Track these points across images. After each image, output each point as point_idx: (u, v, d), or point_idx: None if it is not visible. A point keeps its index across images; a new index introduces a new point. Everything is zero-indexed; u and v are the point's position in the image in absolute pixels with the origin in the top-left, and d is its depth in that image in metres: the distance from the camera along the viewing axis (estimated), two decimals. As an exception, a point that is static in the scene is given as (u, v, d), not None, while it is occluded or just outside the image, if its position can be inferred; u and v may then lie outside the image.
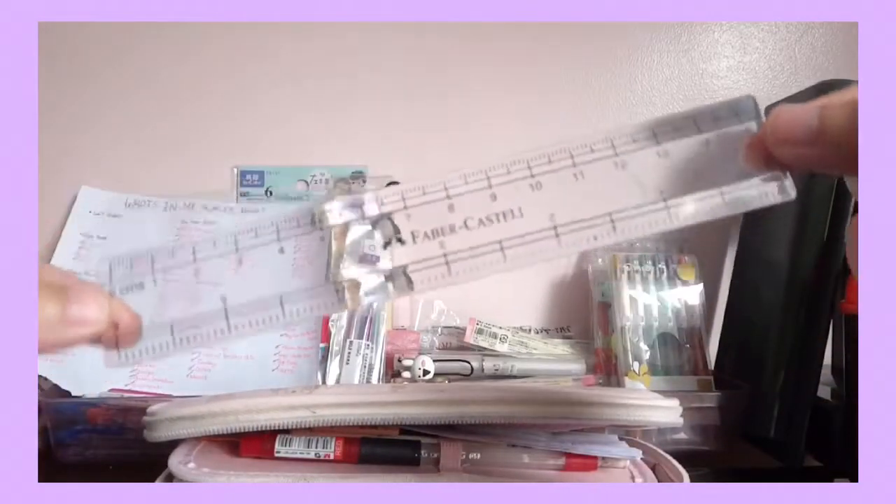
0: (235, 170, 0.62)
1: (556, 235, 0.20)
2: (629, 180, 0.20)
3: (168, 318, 0.21)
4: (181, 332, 0.21)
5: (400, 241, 0.21)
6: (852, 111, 0.17)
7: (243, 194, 0.62)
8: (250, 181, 0.62)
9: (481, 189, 0.21)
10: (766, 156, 0.19)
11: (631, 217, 0.20)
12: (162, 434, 0.33)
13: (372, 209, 0.22)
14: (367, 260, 0.21)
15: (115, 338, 0.20)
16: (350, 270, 0.21)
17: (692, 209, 0.20)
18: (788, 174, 0.20)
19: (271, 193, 0.62)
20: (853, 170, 0.18)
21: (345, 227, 0.21)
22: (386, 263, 0.21)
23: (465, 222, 0.21)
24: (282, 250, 0.22)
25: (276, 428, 0.33)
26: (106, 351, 0.20)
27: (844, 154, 0.17)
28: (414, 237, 0.21)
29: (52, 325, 0.19)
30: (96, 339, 0.20)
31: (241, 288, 0.21)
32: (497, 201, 0.21)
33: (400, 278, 0.21)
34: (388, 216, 0.21)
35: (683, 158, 0.21)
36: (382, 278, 0.21)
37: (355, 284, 0.21)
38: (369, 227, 0.21)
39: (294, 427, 0.34)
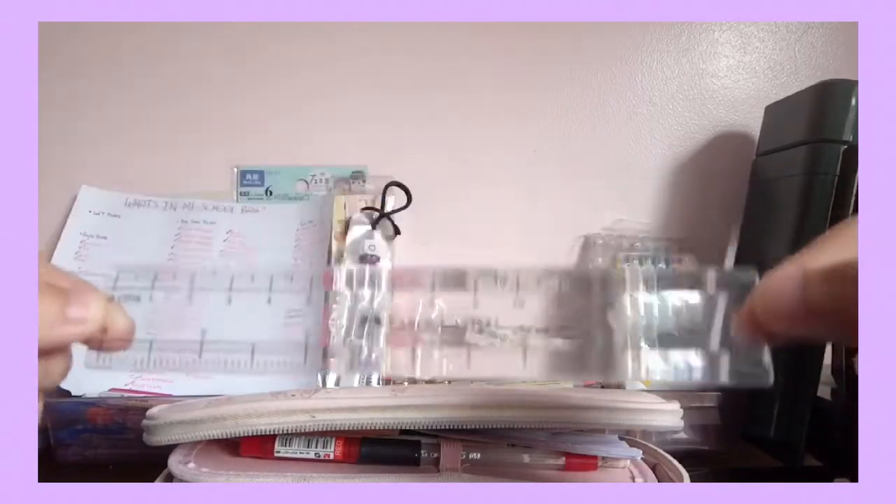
0: (235, 169, 0.62)
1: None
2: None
3: (151, 336, 0.22)
4: (158, 353, 0.22)
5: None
6: (832, 280, 0.17)
7: (243, 194, 0.62)
8: (250, 181, 0.62)
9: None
10: (757, 328, 0.19)
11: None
12: (161, 438, 0.34)
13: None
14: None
15: (101, 340, 0.21)
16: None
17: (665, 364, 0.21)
18: (767, 354, 0.20)
19: (271, 193, 0.62)
20: (844, 337, 0.17)
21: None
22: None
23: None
24: (269, 301, 0.23)
25: (276, 432, 0.33)
26: (88, 351, 0.21)
27: (833, 326, 0.17)
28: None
29: (51, 324, 0.19)
30: (87, 340, 0.21)
31: (223, 325, 0.22)
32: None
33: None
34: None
35: (679, 308, 0.22)
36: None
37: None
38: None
39: (294, 432, 0.34)
